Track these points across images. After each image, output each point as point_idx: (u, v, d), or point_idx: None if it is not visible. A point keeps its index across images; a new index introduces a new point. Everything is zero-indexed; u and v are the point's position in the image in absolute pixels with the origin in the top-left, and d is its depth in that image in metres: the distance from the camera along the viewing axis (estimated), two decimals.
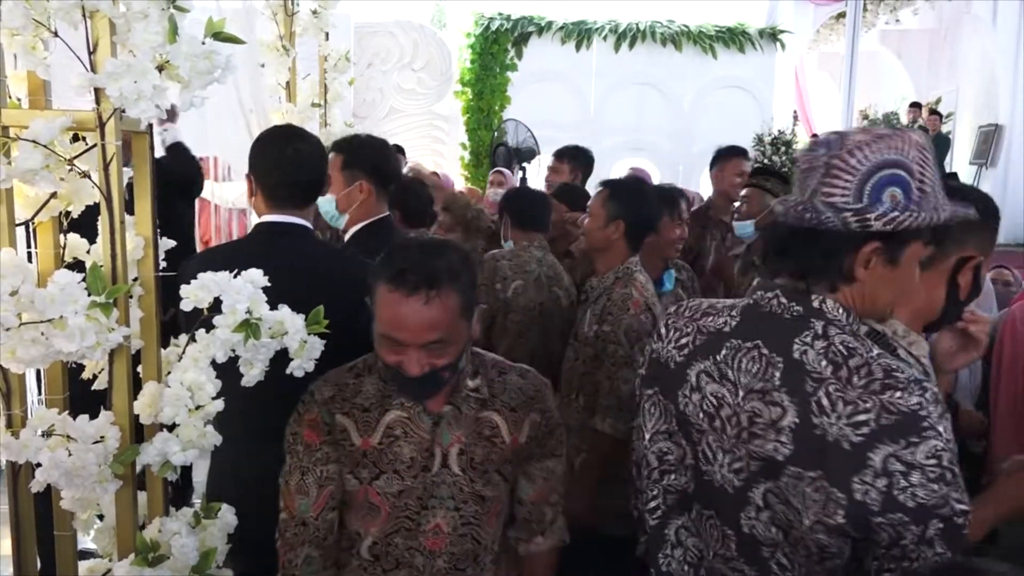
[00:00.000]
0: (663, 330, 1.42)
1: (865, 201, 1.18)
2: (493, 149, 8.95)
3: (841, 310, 1.22)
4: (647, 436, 1.43)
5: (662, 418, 1.40)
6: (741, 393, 1.24)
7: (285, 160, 1.96)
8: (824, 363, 1.17)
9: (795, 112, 13.49)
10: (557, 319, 2.99)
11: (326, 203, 2.35)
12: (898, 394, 1.11)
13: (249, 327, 1.50)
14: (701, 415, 1.31)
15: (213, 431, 1.49)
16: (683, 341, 1.36)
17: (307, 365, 1.61)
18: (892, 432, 1.10)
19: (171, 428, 1.47)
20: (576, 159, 4.19)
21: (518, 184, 5.85)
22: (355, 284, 1.81)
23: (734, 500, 1.26)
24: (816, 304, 1.22)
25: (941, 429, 1.11)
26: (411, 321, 1.37)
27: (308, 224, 1.98)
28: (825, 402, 1.15)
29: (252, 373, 1.55)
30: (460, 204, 3.64)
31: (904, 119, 11.27)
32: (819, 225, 1.19)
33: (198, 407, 1.47)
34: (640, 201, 2.56)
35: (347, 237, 2.42)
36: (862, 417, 1.12)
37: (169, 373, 1.50)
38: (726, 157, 3.93)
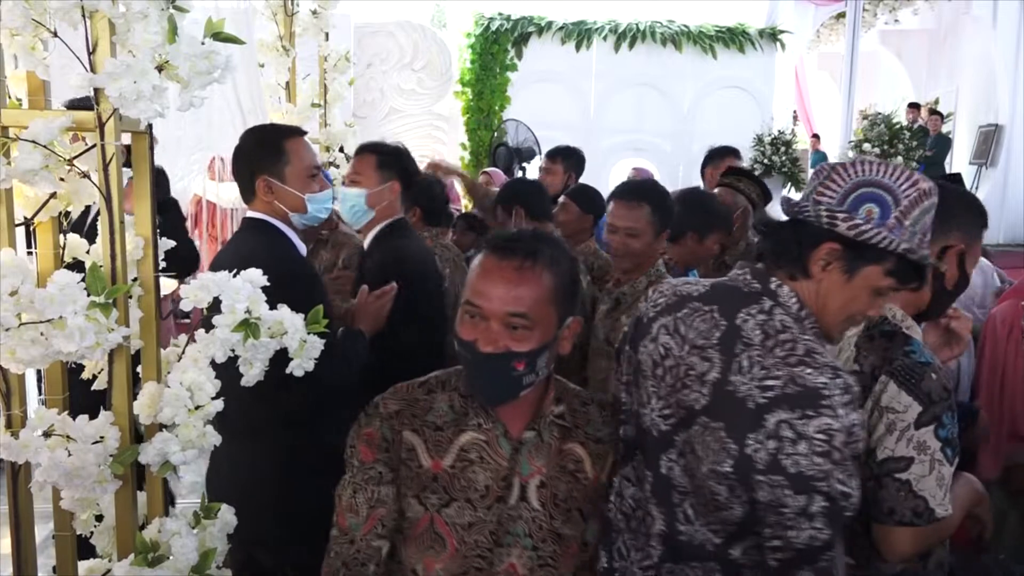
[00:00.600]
0: (650, 292, 1.51)
1: (845, 207, 1.27)
2: (493, 150, 8.95)
3: (794, 299, 1.31)
4: (614, 387, 1.53)
5: (627, 371, 1.48)
6: (686, 347, 1.34)
7: None
8: (758, 332, 1.27)
9: (795, 112, 13.49)
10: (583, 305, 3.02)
11: (354, 196, 2.43)
12: (808, 371, 1.20)
13: (248, 327, 1.50)
14: (650, 362, 1.39)
15: (213, 431, 1.49)
16: (660, 300, 1.45)
17: (307, 364, 1.61)
18: (792, 401, 1.19)
19: (171, 428, 1.47)
20: (569, 159, 4.19)
21: None
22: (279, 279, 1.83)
23: (657, 442, 1.35)
24: (772, 287, 1.32)
25: (840, 412, 1.18)
26: (498, 286, 1.27)
27: (260, 216, 2.09)
28: (745, 363, 1.25)
29: (252, 373, 1.55)
30: (480, 193, 3.96)
31: (903, 119, 11.27)
32: (799, 214, 1.30)
33: (197, 407, 1.47)
34: (672, 208, 2.55)
35: (371, 235, 2.49)
36: (770, 383, 1.21)
37: (169, 373, 1.50)
38: (719, 157, 3.94)
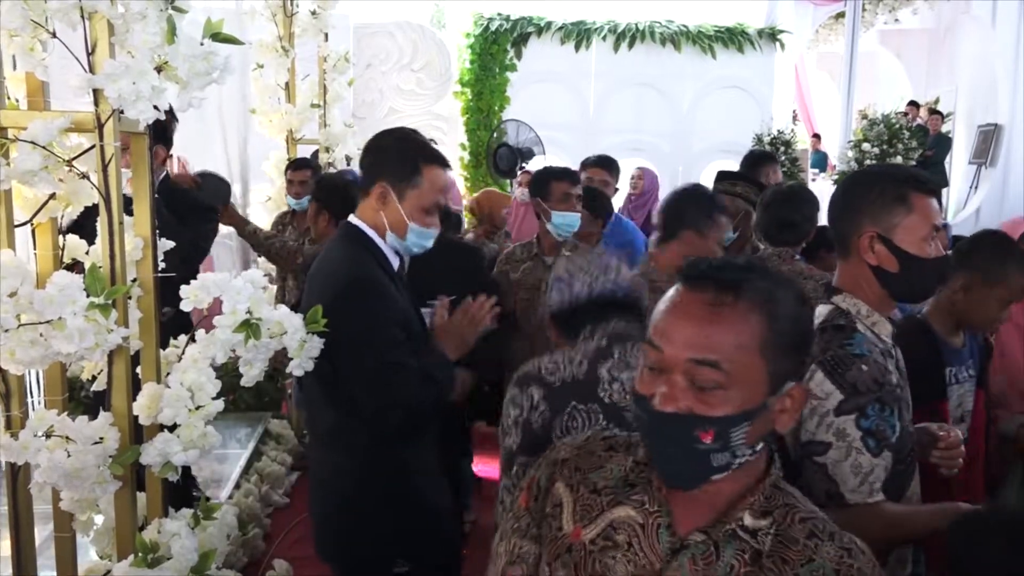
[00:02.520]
0: None
1: None
2: (494, 150, 8.94)
3: None
4: None
5: None
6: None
7: None
8: None
9: (795, 111, 13.48)
10: None
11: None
12: None
13: (249, 327, 1.50)
14: None
15: (214, 431, 1.49)
16: None
17: (306, 364, 1.61)
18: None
19: (171, 429, 1.47)
20: (611, 169, 4.03)
21: None
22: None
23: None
24: None
25: None
26: (684, 325, 0.98)
27: (358, 223, 1.92)
28: None
29: (251, 373, 1.55)
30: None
31: (902, 119, 11.27)
32: None
33: (198, 407, 1.47)
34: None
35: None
36: None
37: (168, 374, 1.50)
38: (760, 163, 3.93)
